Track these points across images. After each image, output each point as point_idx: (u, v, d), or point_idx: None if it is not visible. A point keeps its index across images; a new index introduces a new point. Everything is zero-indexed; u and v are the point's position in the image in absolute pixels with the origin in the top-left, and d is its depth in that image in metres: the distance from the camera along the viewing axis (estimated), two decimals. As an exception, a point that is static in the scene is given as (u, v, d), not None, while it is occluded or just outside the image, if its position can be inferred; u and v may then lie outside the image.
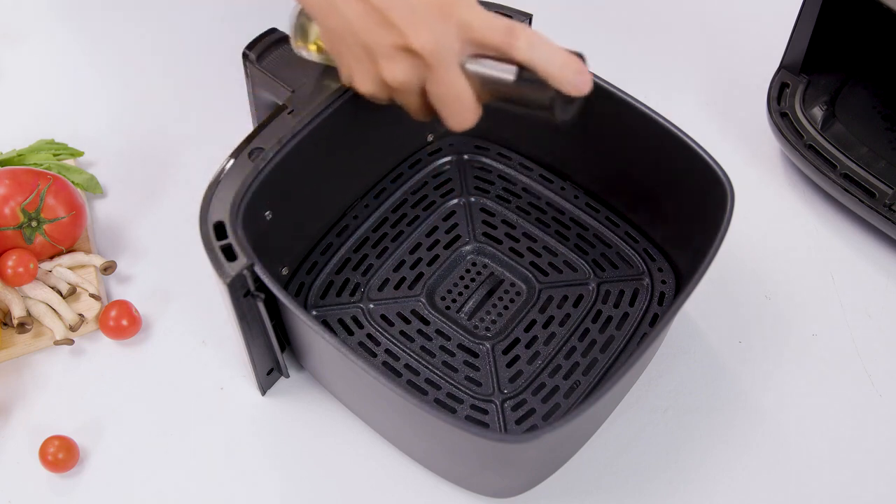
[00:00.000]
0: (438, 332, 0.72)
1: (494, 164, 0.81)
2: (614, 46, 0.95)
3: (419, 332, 0.72)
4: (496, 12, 0.69)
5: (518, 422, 0.68)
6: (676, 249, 0.74)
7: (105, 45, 0.95)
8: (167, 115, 0.89)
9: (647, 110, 0.68)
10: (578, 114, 0.61)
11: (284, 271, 0.73)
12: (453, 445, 0.63)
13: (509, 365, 0.71)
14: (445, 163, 0.81)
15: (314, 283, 0.74)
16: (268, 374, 0.71)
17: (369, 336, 0.72)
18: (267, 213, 0.66)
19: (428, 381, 0.70)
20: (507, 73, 0.58)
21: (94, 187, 0.83)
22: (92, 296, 0.76)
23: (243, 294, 0.61)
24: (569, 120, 0.61)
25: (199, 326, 0.76)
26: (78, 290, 0.76)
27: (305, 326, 0.61)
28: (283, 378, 0.74)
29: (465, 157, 0.82)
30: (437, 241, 0.77)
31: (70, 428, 0.71)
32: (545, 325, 0.73)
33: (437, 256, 0.76)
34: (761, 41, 0.93)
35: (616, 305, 0.74)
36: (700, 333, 0.77)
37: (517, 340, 0.72)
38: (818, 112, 0.84)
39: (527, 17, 0.72)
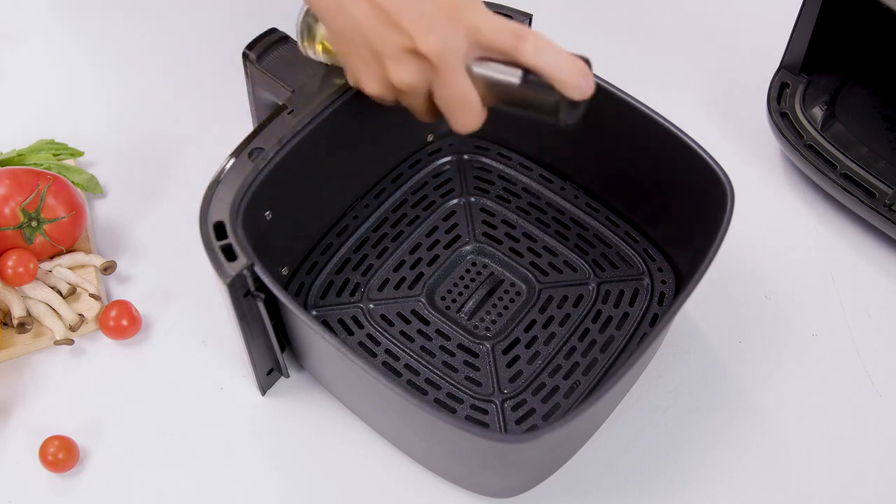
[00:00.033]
0: (438, 332, 0.72)
1: (494, 164, 0.81)
2: (614, 46, 0.95)
3: (419, 332, 0.72)
4: (496, 12, 0.69)
5: (518, 422, 0.68)
6: (676, 249, 0.74)
7: (105, 45, 0.95)
8: (167, 115, 0.89)
9: (647, 110, 0.68)
10: (587, 125, 0.61)
11: (284, 271, 0.73)
12: (453, 445, 0.63)
13: (509, 365, 0.71)
14: (445, 163, 0.81)
15: (314, 283, 0.74)
16: (268, 374, 0.71)
17: (369, 336, 0.72)
18: (267, 213, 0.66)
19: (428, 381, 0.70)
20: (513, 77, 0.58)
21: (94, 187, 0.83)
22: (92, 296, 0.76)
23: (243, 294, 0.61)
24: (573, 123, 0.61)
25: (199, 326, 0.76)
26: (78, 290, 0.76)
27: (305, 326, 0.61)
28: (283, 378, 0.74)
29: (465, 157, 0.82)
30: (437, 241, 0.77)
31: (70, 428, 0.71)
32: (545, 325, 0.73)
33: (437, 256, 0.76)
34: (761, 41, 0.93)
35: (616, 305, 0.74)
36: (700, 333, 0.77)
37: (517, 340, 0.72)
38: (818, 112, 0.84)
39: (527, 17, 0.72)
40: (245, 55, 0.71)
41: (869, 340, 0.76)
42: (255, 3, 0.97)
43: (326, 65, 0.68)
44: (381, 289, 0.74)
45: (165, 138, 0.87)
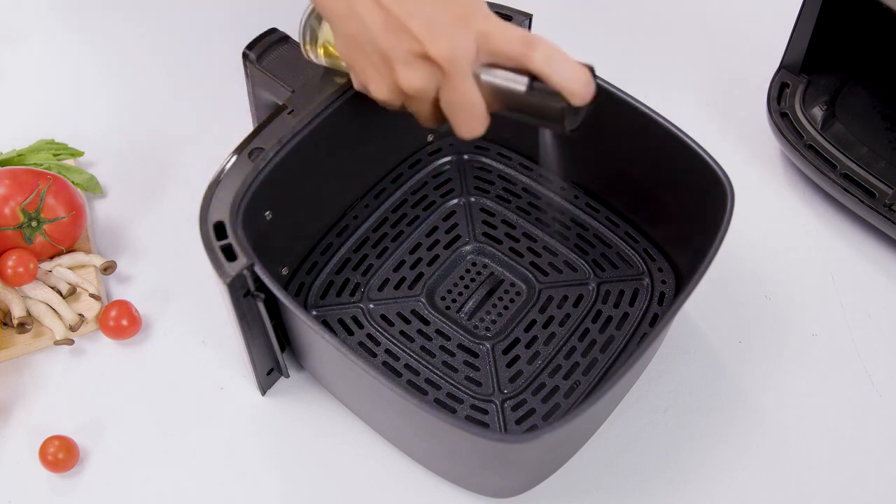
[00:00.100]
0: (438, 332, 0.72)
1: (494, 164, 0.81)
2: (614, 46, 0.95)
3: (419, 332, 0.72)
4: (497, 13, 0.69)
5: (518, 422, 0.68)
6: (676, 249, 0.74)
7: (105, 45, 0.95)
8: (167, 115, 0.89)
9: (647, 110, 0.68)
10: (585, 124, 0.61)
11: (284, 271, 0.73)
12: (453, 445, 0.63)
13: (509, 365, 0.71)
14: (445, 163, 0.81)
15: (314, 283, 0.74)
16: (268, 374, 0.71)
17: (369, 336, 0.72)
18: (267, 213, 0.66)
19: (428, 381, 0.70)
20: (520, 84, 0.58)
21: (94, 187, 0.83)
22: (92, 296, 0.76)
23: (243, 294, 0.61)
24: (576, 131, 0.61)
25: (199, 326, 0.76)
26: (78, 290, 0.76)
27: (305, 326, 0.61)
28: (283, 378, 0.74)
29: (465, 157, 0.82)
30: (437, 241, 0.77)
31: (70, 428, 0.71)
32: (545, 325, 0.73)
33: (437, 256, 0.76)
34: (761, 41, 0.93)
35: (616, 305, 0.74)
36: (700, 333, 0.77)
37: (517, 340, 0.72)
38: (818, 112, 0.84)
39: (527, 18, 0.72)
40: (245, 55, 0.71)
41: (869, 340, 0.76)
42: (255, 3, 0.97)
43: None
44: (381, 289, 0.74)
45: (165, 138, 0.87)
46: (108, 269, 0.77)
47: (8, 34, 0.95)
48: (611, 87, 0.69)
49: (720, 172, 0.66)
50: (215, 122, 0.88)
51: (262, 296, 0.62)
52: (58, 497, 0.69)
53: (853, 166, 0.81)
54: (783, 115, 0.85)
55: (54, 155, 0.83)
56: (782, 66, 0.87)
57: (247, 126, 0.73)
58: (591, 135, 0.70)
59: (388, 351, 0.71)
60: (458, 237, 0.77)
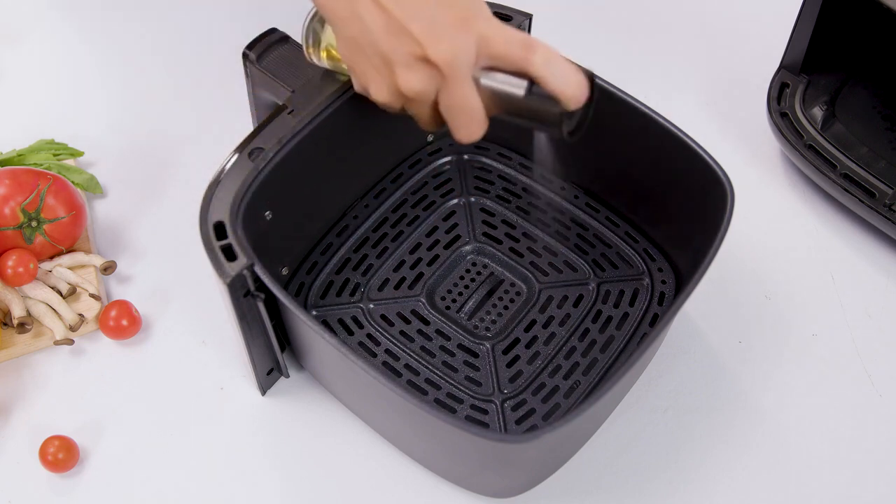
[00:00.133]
0: (438, 332, 0.72)
1: (494, 164, 0.81)
2: (614, 46, 0.95)
3: (419, 332, 0.72)
4: (496, 13, 0.69)
5: (518, 422, 0.68)
6: (676, 249, 0.74)
7: (105, 45, 0.95)
8: (167, 115, 0.89)
9: (647, 110, 0.68)
10: (585, 131, 0.62)
11: (284, 271, 0.73)
12: (453, 445, 0.63)
13: (509, 365, 0.71)
14: (445, 163, 0.81)
15: (314, 283, 0.74)
16: (268, 374, 0.71)
17: (369, 336, 0.72)
18: (267, 213, 0.66)
19: (428, 381, 0.70)
20: (518, 88, 0.58)
21: (94, 187, 0.83)
22: (92, 296, 0.76)
23: (243, 294, 0.61)
24: (576, 135, 0.61)
25: (199, 326, 0.76)
26: (78, 290, 0.76)
27: (305, 326, 0.61)
28: (283, 378, 0.74)
29: (465, 157, 0.82)
30: (437, 241, 0.77)
31: (70, 428, 0.71)
32: (545, 325, 0.73)
33: (437, 256, 0.76)
34: (761, 41, 0.93)
35: (616, 305, 0.74)
36: (700, 333, 0.77)
37: (517, 340, 0.72)
38: (818, 112, 0.84)
39: (527, 18, 0.72)
40: (245, 55, 0.71)
41: (869, 340, 0.76)
42: (255, 3, 0.97)
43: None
44: (381, 289, 0.74)
45: (165, 138, 0.87)
46: (108, 269, 0.77)
47: (8, 34, 0.95)
48: (611, 87, 0.69)
49: (720, 172, 0.66)
50: (215, 122, 0.88)
51: (262, 296, 0.62)
52: (58, 497, 0.69)
53: (853, 166, 0.81)
54: (783, 115, 0.85)
55: (54, 155, 0.83)
56: (782, 66, 0.87)
57: (247, 126, 0.73)
58: (591, 135, 0.70)
59: (388, 351, 0.71)
60: (458, 237, 0.77)
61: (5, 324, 0.74)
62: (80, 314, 0.74)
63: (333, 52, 0.66)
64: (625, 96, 0.69)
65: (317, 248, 0.76)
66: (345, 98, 0.67)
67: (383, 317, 0.73)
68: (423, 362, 0.71)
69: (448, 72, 0.57)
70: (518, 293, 0.75)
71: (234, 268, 0.59)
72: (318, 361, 0.70)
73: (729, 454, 0.71)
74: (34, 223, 0.74)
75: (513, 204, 0.79)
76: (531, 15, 0.72)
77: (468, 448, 0.61)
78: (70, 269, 0.77)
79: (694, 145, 0.67)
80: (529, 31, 0.73)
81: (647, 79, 0.91)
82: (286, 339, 0.71)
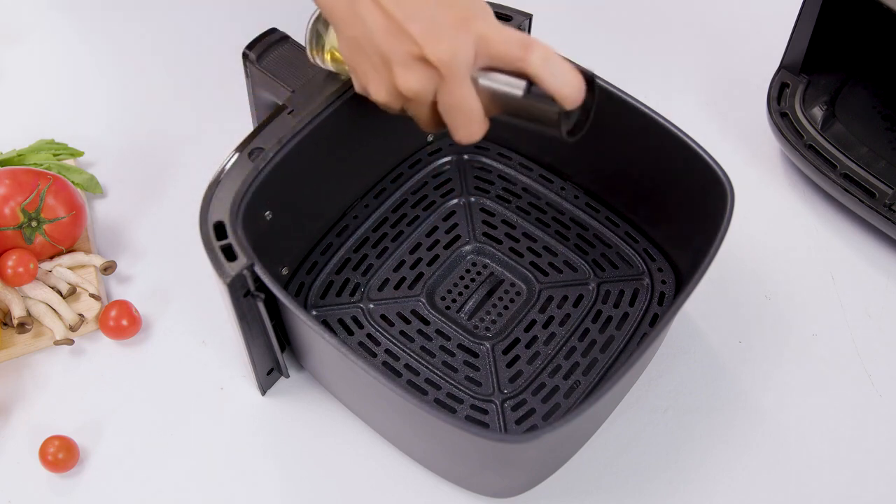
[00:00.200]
0: (438, 332, 0.72)
1: (494, 164, 0.81)
2: (614, 46, 0.95)
3: (419, 332, 0.72)
4: (496, 13, 0.69)
5: (518, 422, 0.68)
6: (676, 249, 0.74)
7: (105, 45, 0.95)
8: (167, 115, 0.89)
9: (647, 110, 0.68)
10: (586, 131, 0.62)
11: (284, 271, 0.73)
12: (453, 445, 0.63)
13: (509, 365, 0.71)
14: (445, 163, 0.81)
15: (314, 283, 0.74)
16: (268, 374, 0.71)
17: (369, 336, 0.72)
18: (267, 213, 0.66)
19: (428, 381, 0.70)
20: (517, 89, 0.58)
21: (94, 187, 0.83)
22: (92, 296, 0.76)
23: (243, 294, 0.61)
24: (575, 135, 0.61)
25: (199, 326, 0.76)
26: (78, 290, 0.76)
27: (305, 326, 0.61)
28: (283, 378, 0.74)
29: (465, 157, 0.82)
30: (437, 241, 0.77)
31: (70, 428, 0.71)
32: (545, 325, 0.73)
33: (437, 256, 0.76)
34: (761, 41, 0.93)
35: (616, 305, 0.74)
36: (700, 333, 0.77)
37: (517, 340, 0.72)
38: (818, 112, 0.84)
39: (527, 18, 0.72)
40: (245, 55, 0.71)
41: (869, 340, 0.76)
42: (255, 3, 0.97)
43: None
44: (381, 289, 0.74)
45: (165, 138, 0.87)
46: (108, 269, 0.77)
47: (8, 34, 0.95)
48: (611, 87, 0.69)
49: (720, 172, 0.66)
50: (215, 122, 0.88)
51: (262, 296, 0.62)
52: (58, 497, 0.69)
53: (853, 166, 0.81)
54: (783, 115, 0.85)
55: (54, 155, 0.83)
56: (782, 66, 0.87)
57: (247, 126, 0.73)
58: (591, 135, 0.70)
59: (388, 351, 0.71)
60: (458, 237, 0.77)
61: (5, 324, 0.74)
62: (80, 314, 0.74)
63: (336, 54, 0.66)
64: (625, 96, 0.69)
65: (317, 248, 0.76)
66: (345, 98, 0.67)
67: (383, 317, 0.73)
68: (423, 362, 0.71)
69: (446, 72, 0.57)
70: (518, 293, 0.75)
71: (234, 268, 0.59)
72: (318, 361, 0.70)
73: (729, 454, 0.71)
74: (34, 223, 0.74)
75: (513, 204, 0.79)
76: (531, 15, 0.72)
77: (468, 448, 0.61)
78: (70, 269, 0.77)
79: (694, 145, 0.67)
80: (529, 31, 0.73)
81: (647, 79, 0.91)
82: (286, 339, 0.71)
